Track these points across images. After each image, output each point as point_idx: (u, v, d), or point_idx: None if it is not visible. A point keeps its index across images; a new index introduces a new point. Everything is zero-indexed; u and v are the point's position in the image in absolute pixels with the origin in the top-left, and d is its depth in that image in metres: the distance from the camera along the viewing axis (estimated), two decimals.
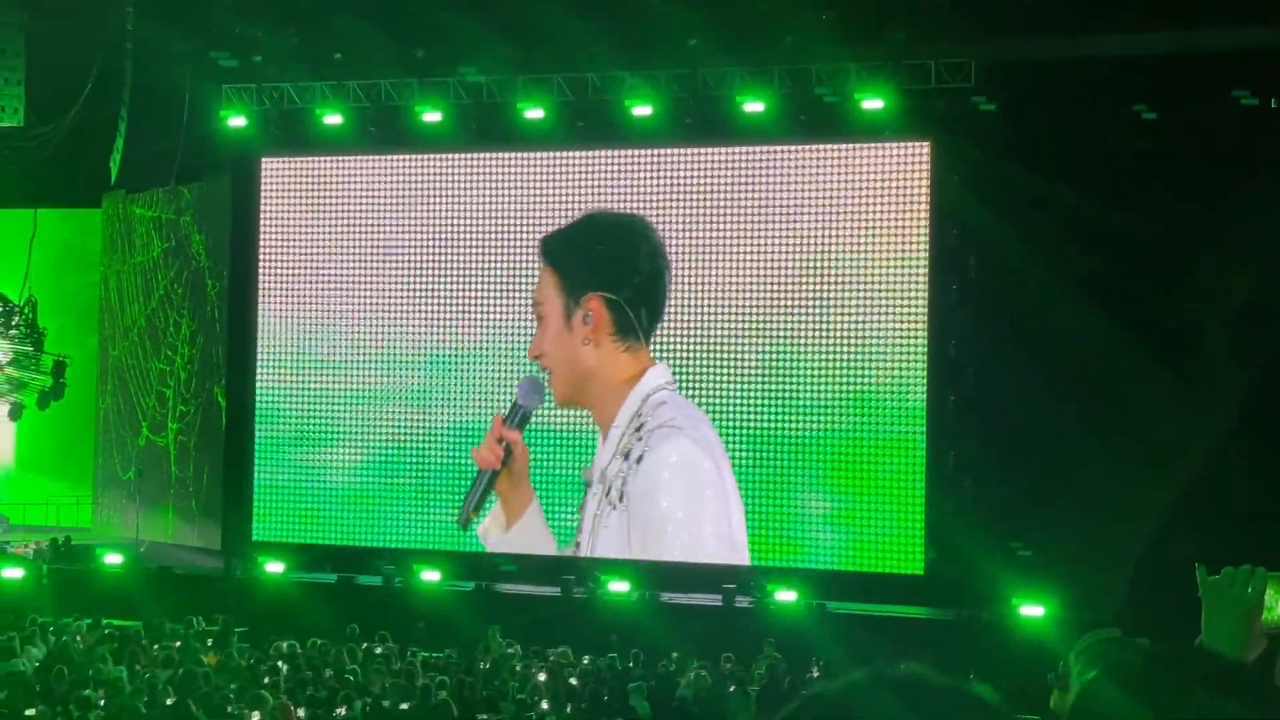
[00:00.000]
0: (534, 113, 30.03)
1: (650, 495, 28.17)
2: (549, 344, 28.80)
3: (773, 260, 28.62)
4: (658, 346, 29.00)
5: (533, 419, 28.66)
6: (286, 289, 32.06)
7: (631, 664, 22.34)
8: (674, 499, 28.35)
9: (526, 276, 30.02)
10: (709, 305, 28.93)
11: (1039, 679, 17.73)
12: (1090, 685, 2.90)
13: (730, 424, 28.68)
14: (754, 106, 28.76)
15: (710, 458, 28.27)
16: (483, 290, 30.51)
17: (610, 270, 29.03)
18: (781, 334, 28.52)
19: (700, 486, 28.37)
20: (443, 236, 30.86)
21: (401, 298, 31.14)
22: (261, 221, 32.25)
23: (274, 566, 29.55)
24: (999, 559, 25.97)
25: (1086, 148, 27.13)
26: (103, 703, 18.25)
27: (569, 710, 19.21)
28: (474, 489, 26.82)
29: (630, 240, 29.21)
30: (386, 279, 31.27)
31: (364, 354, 31.43)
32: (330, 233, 31.77)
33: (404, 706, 18.65)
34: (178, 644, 23.00)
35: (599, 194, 29.81)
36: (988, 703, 2.40)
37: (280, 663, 21.57)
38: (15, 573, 29.26)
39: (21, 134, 30.83)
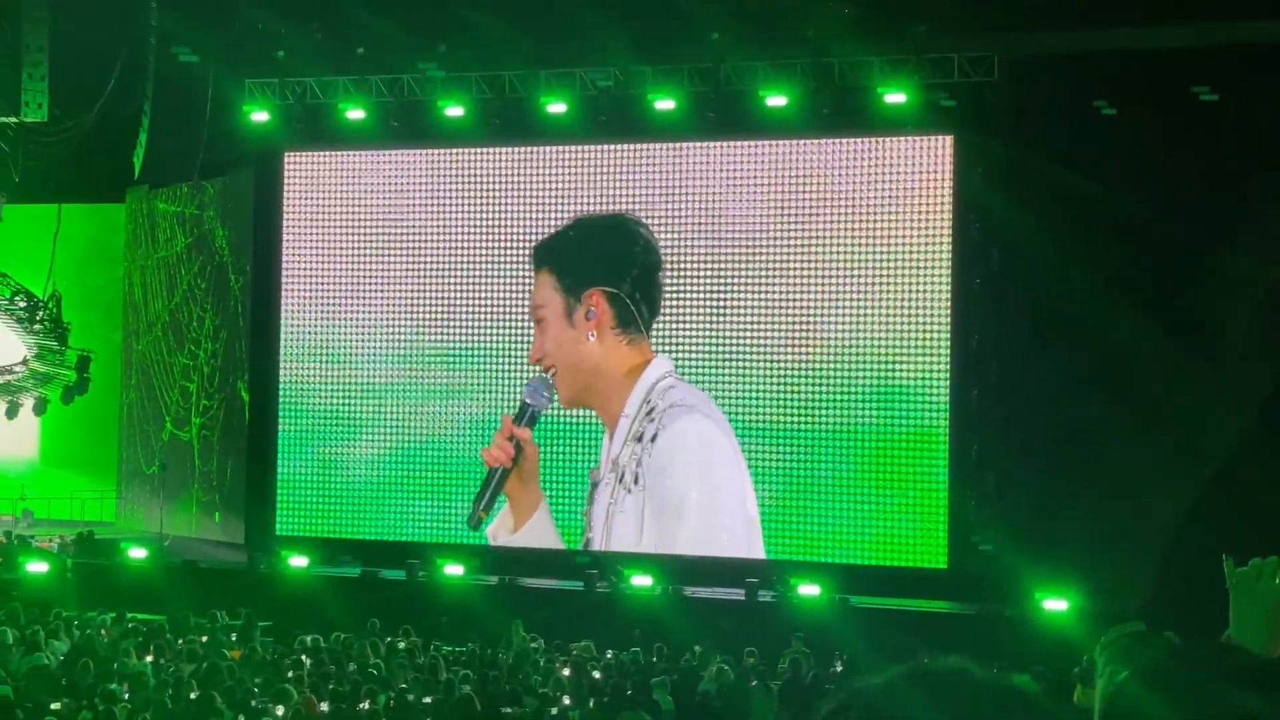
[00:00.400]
0: (556, 107, 30.05)
1: (667, 470, 28.27)
2: (551, 344, 28.88)
3: (795, 255, 28.62)
4: (681, 343, 29.04)
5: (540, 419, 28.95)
6: (309, 284, 32.11)
7: (654, 658, 22.34)
8: (691, 473, 28.45)
9: None
10: (731, 298, 28.93)
11: (1063, 673, 17.73)
12: (1121, 686, 2.89)
13: (754, 418, 28.68)
14: (776, 100, 28.75)
15: (724, 433, 28.41)
16: (505, 284, 30.52)
17: (608, 265, 29.12)
18: (804, 328, 28.51)
19: (716, 461, 28.46)
20: (465, 231, 30.89)
21: (424, 292, 31.17)
22: (284, 216, 32.30)
23: (298, 560, 29.59)
24: (1022, 553, 25.92)
25: (1109, 140, 27.07)
26: (127, 696, 18.29)
27: (592, 704, 19.21)
28: (484, 489, 26.79)
29: (625, 235, 29.31)
30: (409, 273, 31.30)
31: (387, 348, 31.47)
32: (353, 227, 31.81)
33: (427, 700, 18.68)
34: (204, 638, 23.05)
35: (621, 188, 29.83)
36: (1031, 696, 2.40)
37: (304, 657, 21.61)
38: (40, 567, 29.34)
39: (46, 129, 30.91)
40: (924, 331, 27.89)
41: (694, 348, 29.07)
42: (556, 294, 29.02)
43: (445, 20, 30.03)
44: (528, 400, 26.86)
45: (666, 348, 28.96)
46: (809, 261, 28.56)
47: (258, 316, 33.11)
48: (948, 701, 2.33)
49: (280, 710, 17.17)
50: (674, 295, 29.20)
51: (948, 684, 2.36)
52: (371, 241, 31.64)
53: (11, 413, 36.74)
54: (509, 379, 30.41)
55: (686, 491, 28.38)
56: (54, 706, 17.51)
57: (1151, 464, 25.62)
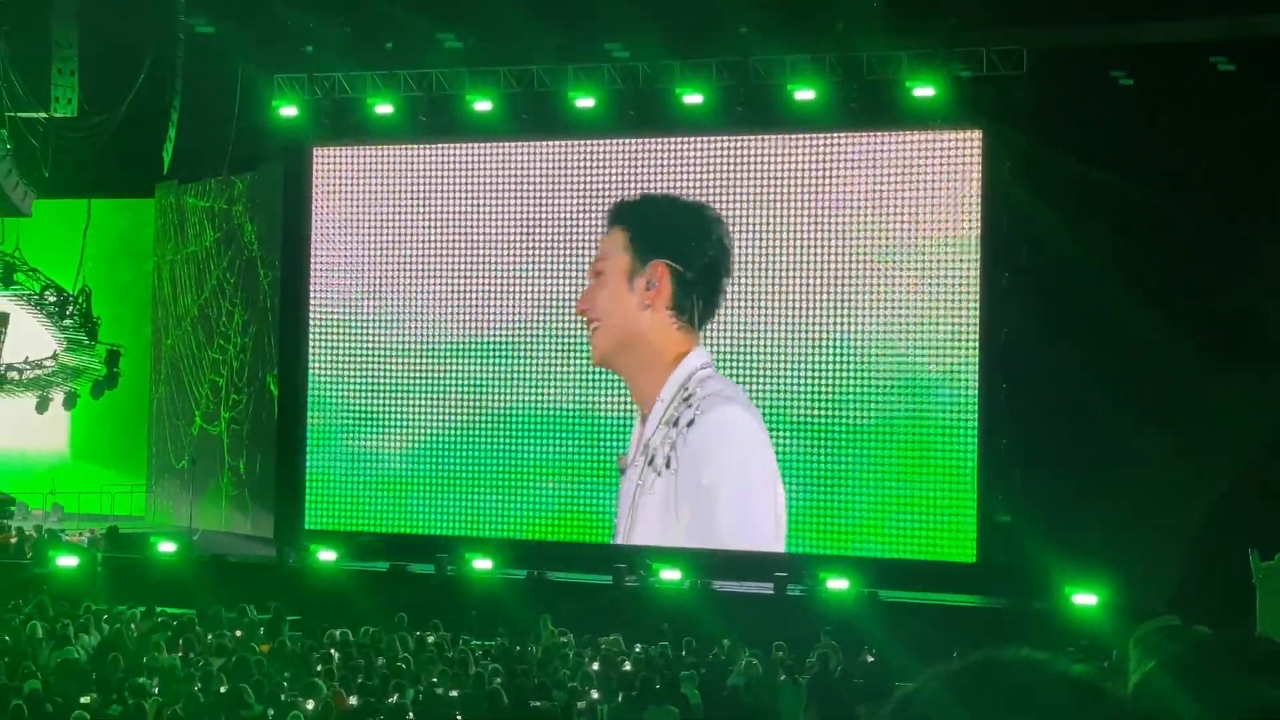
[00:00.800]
0: (584, 101, 30.05)
1: (703, 457, 28.37)
2: (604, 299, 29.05)
3: (823, 249, 28.60)
4: (709, 334, 29.04)
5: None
6: (338, 278, 32.18)
7: (683, 652, 22.33)
8: (727, 463, 28.56)
9: (578, 263, 30.07)
10: (760, 292, 28.92)
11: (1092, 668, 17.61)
12: (1147, 677, 2.88)
13: (782, 411, 28.68)
14: (805, 94, 28.71)
15: (760, 428, 28.48)
16: (533, 278, 30.56)
17: (683, 242, 29.19)
18: (833, 322, 28.48)
19: (751, 455, 28.56)
20: (493, 224, 30.93)
21: (452, 285, 31.22)
22: (313, 211, 32.38)
23: (326, 555, 29.63)
24: (1051, 547, 25.84)
25: (1139, 135, 26.95)
26: (157, 690, 18.32)
27: (620, 698, 19.20)
28: None
29: (705, 223, 29.32)
30: (437, 267, 31.35)
31: (415, 342, 31.52)
32: (381, 221, 31.88)
33: (455, 694, 18.68)
34: (238, 633, 23.07)
35: (650, 182, 29.83)
36: (1101, 689, 2.36)
37: (333, 650, 21.63)
38: (70, 561, 29.41)
39: (75, 125, 30.93)
40: (953, 326, 27.85)
41: (722, 340, 29.04)
42: (624, 253, 29.13)
43: (474, 14, 30.02)
44: None
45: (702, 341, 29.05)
46: (837, 256, 28.53)
47: (287, 311, 33.18)
48: (1018, 693, 2.30)
49: (310, 704, 17.18)
50: None
51: (1018, 675, 2.33)
52: (400, 235, 31.69)
53: (41, 407, 36.84)
54: (538, 370, 30.44)
55: (720, 481, 28.49)
56: (84, 700, 17.55)
57: (1181, 458, 25.54)
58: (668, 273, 28.82)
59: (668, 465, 28.53)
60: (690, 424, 28.39)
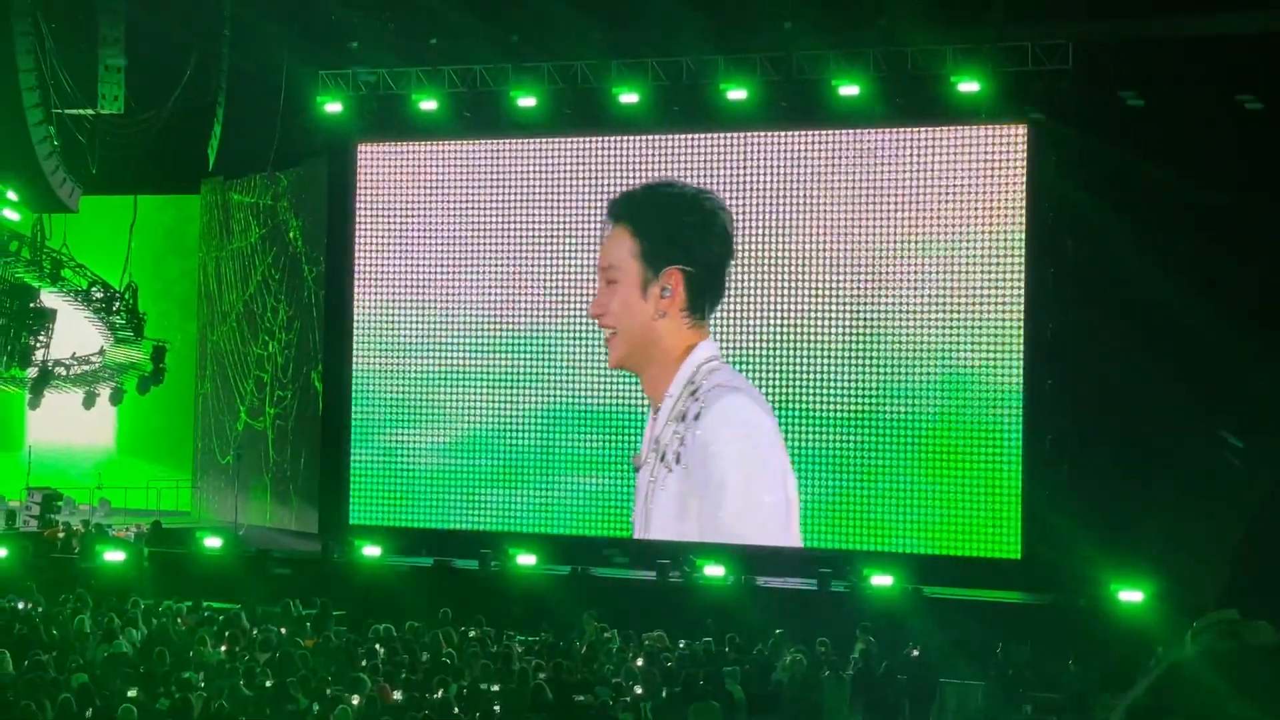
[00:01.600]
0: (628, 97, 30.04)
1: (710, 448, 28.44)
2: (618, 308, 29.11)
3: (868, 244, 28.55)
4: (753, 330, 29.04)
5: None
6: (382, 274, 32.24)
7: (727, 648, 22.31)
8: (733, 449, 28.63)
9: None
10: (806, 288, 28.88)
11: (1137, 665, 17.60)
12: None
13: (829, 407, 28.64)
14: (849, 90, 28.65)
15: (765, 413, 28.52)
16: (577, 273, 30.57)
17: (690, 242, 29.24)
18: (878, 317, 28.44)
19: (757, 439, 28.63)
20: (537, 220, 30.95)
21: (496, 281, 31.25)
22: (357, 207, 32.45)
23: (371, 550, 29.68)
24: (1096, 543, 25.75)
25: (1185, 129, 26.81)
26: (203, 685, 18.40)
27: (664, 694, 19.20)
28: None
29: (709, 214, 29.36)
30: (481, 263, 31.38)
31: (459, 338, 31.56)
32: (425, 218, 31.93)
33: (498, 688, 18.71)
34: (283, 628, 23.13)
35: (693, 178, 29.81)
36: None
37: (377, 645, 21.68)
38: (117, 555, 29.55)
39: (122, 121, 31.08)
40: (998, 320, 27.78)
41: (770, 337, 29.03)
42: (634, 261, 29.16)
43: (517, 11, 30.06)
44: None
45: (749, 336, 29.04)
46: (883, 251, 28.48)
47: (331, 307, 33.27)
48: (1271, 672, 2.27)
49: (355, 699, 17.23)
50: (750, 284, 29.21)
51: (1266, 655, 2.30)
52: (444, 231, 31.74)
53: (88, 403, 37.02)
54: (582, 366, 30.46)
55: (728, 467, 28.61)
56: (131, 694, 17.63)
57: (1227, 454, 25.42)
58: (681, 278, 28.90)
59: (678, 460, 28.65)
60: (697, 417, 28.53)
